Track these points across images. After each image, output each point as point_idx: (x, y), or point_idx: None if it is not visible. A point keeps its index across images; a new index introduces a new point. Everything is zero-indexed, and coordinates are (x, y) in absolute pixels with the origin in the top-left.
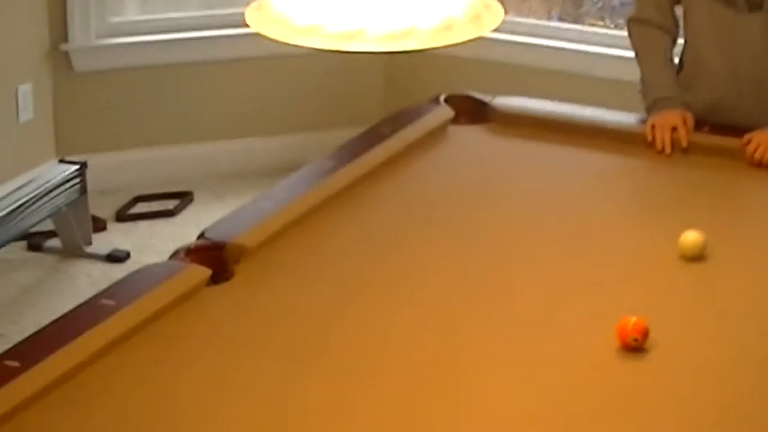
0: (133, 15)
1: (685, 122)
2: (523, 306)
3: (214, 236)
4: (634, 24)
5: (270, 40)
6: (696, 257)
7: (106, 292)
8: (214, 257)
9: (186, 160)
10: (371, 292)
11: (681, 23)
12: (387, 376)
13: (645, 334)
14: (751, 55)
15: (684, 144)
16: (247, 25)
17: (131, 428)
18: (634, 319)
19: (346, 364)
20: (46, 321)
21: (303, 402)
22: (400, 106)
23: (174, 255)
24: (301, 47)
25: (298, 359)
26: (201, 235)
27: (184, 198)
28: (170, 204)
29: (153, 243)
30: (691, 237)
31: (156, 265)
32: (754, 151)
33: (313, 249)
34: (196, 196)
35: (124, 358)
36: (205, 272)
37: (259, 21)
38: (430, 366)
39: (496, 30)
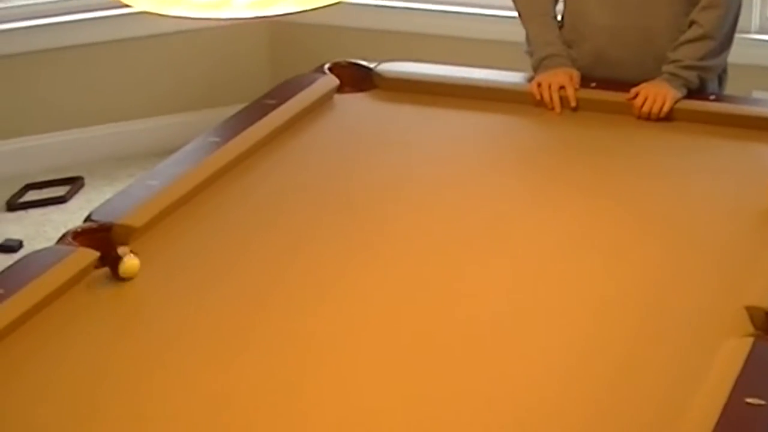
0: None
1: (571, 79)
2: (412, 269)
3: (101, 218)
4: None
5: (141, 12)
6: None
7: None
8: (102, 239)
9: (75, 145)
10: (257, 268)
11: None
12: (275, 348)
13: None
14: (636, 5)
15: (573, 103)
16: (122, 5)
17: (23, 416)
18: None
19: (233, 342)
20: None
21: (186, 387)
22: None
23: (61, 239)
24: (182, 23)
25: (185, 341)
26: (88, 218)
27: (75, 183)
28: (61, 190)
29: (45, 231)
30: None
31: (43, 250)
32: (642, 104)
33: (200, 226)
34: (87, 181)
35: (14, 346)
36: (93, 255)
37: None
38: (318, 333)
39: None
